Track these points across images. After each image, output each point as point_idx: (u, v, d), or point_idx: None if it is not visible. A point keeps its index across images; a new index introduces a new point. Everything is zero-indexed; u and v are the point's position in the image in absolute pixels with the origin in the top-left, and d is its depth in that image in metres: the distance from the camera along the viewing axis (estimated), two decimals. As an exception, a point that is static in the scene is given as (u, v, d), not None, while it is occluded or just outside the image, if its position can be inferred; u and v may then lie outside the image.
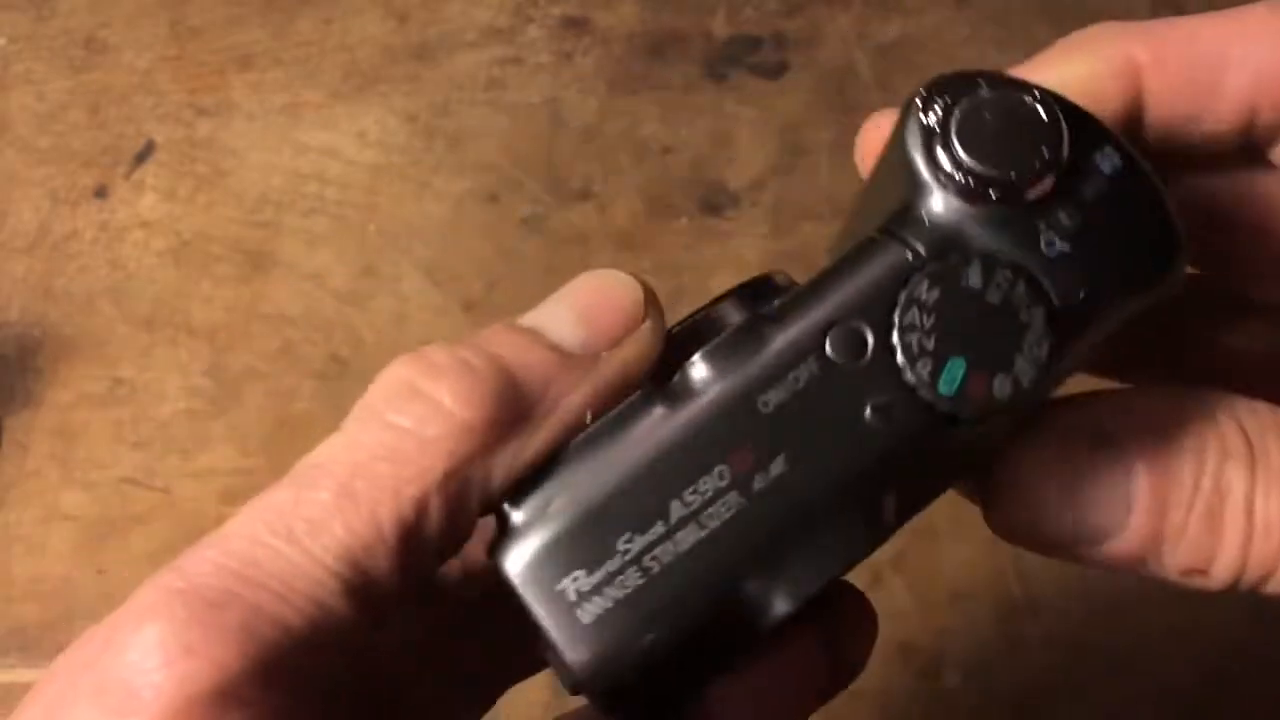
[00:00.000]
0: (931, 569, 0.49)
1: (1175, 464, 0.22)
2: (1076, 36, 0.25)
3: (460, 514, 0.21)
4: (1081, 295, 0.21)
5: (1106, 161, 0.22)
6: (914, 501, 0.23)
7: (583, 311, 0.23)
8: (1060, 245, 0.21)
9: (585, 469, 0.21)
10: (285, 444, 0.56)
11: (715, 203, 0.58)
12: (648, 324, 0.23)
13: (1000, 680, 0.47)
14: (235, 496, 0.56)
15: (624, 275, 0.23)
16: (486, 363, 0.21)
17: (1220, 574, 0.23)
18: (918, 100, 0.22)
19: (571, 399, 0.22)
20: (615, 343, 0.22)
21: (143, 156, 0.62)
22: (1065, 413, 0.23)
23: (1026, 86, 0.22)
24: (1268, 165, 0.26)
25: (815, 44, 0.61)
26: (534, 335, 0.22)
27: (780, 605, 0.21)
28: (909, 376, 0.20)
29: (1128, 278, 0.21)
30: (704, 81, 0.61)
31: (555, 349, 0.22)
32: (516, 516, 0.21)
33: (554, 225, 0.59)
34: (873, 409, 0.20)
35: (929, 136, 0.21)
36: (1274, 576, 0.22)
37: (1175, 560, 0.23)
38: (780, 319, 0.21)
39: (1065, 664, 0.47)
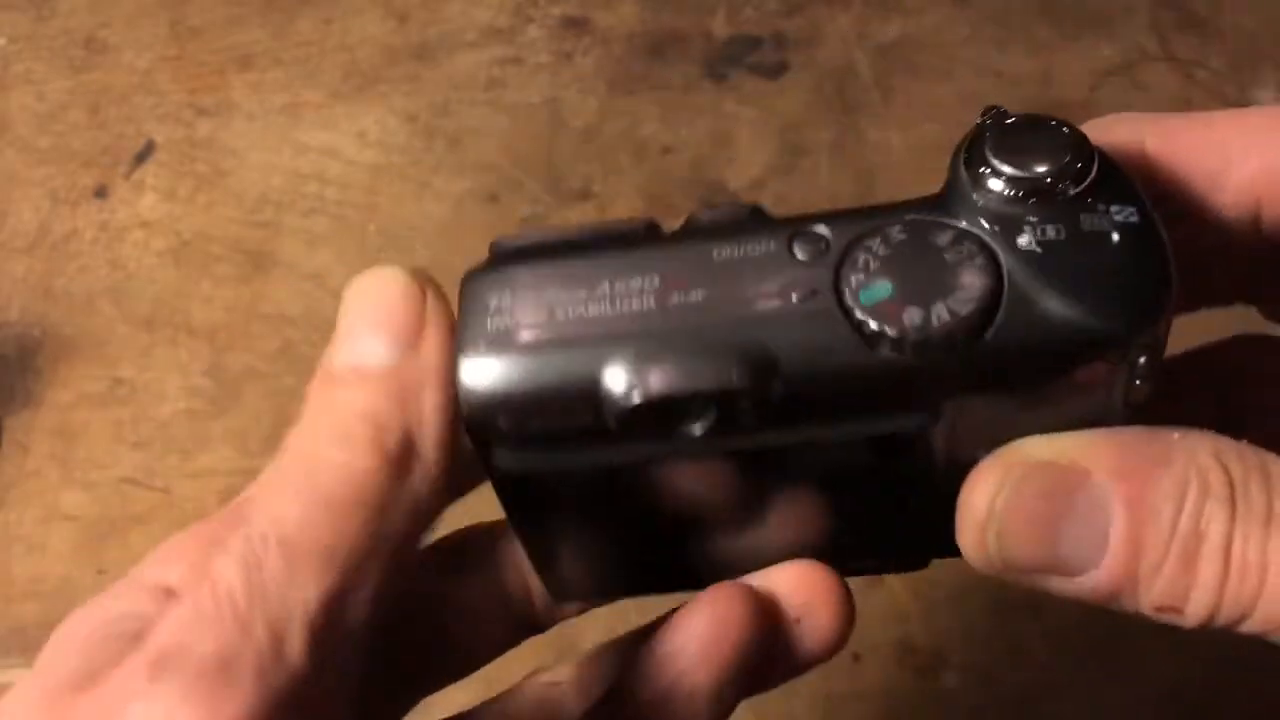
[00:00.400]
0: (931, 569, 0.49)
1: (1154, 503, 0.22)
2: (1092, 126, 0.26)
3: (398, 556, 0.24)
4: (1040, 302, 0.22)
5: (1121, 212, 0.23)
6: (812, 413, 0.23)
7: (378, 327, 0.25)
8: (1034, 247, 0.22)
9: (566, 243, 0.24)
10: (285, 444, 0.56)
11: (715, 202, 0.58)
12: (430, 299, 0.25)
13: (1000, 680, 0.47)
14: (235, 496, 0.56)
15: (385, 270, 0.26)
16: (354, 424, 0.25)
17: (1195, 612, 0.22)
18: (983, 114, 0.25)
19: (426, 399, 0.25)
20: (419, 332, 0.25)
21: (143, 156, 0.62)
22: (1041, 445, 0.23)
23: (1076, 129, 0.24)
24: None
25: (815, 44, 0.61)
26: (358, 374, 0.25)
27: (635, 394, 0.23)
28: (840, 281, 0.22)
29: (1090, 310, 0.22)
30: (704, 81, 0.61)
31: (382, 373, 0.25)
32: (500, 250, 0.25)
33: (554, 225, 0.59)
34: (798, 294, 0.23)
35: (972, 133, 0.24)
36: (1249, 618, 0.22)
37: (1149, 598, 0.23)
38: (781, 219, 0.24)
39: (1065, 664, 0.47)
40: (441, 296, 0.26)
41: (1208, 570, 0.22)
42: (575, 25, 0.63)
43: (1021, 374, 0.23)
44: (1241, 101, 0.57)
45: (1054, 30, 0.59)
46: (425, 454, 0.25)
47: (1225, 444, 0.23)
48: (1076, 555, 0.23)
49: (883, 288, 0.22)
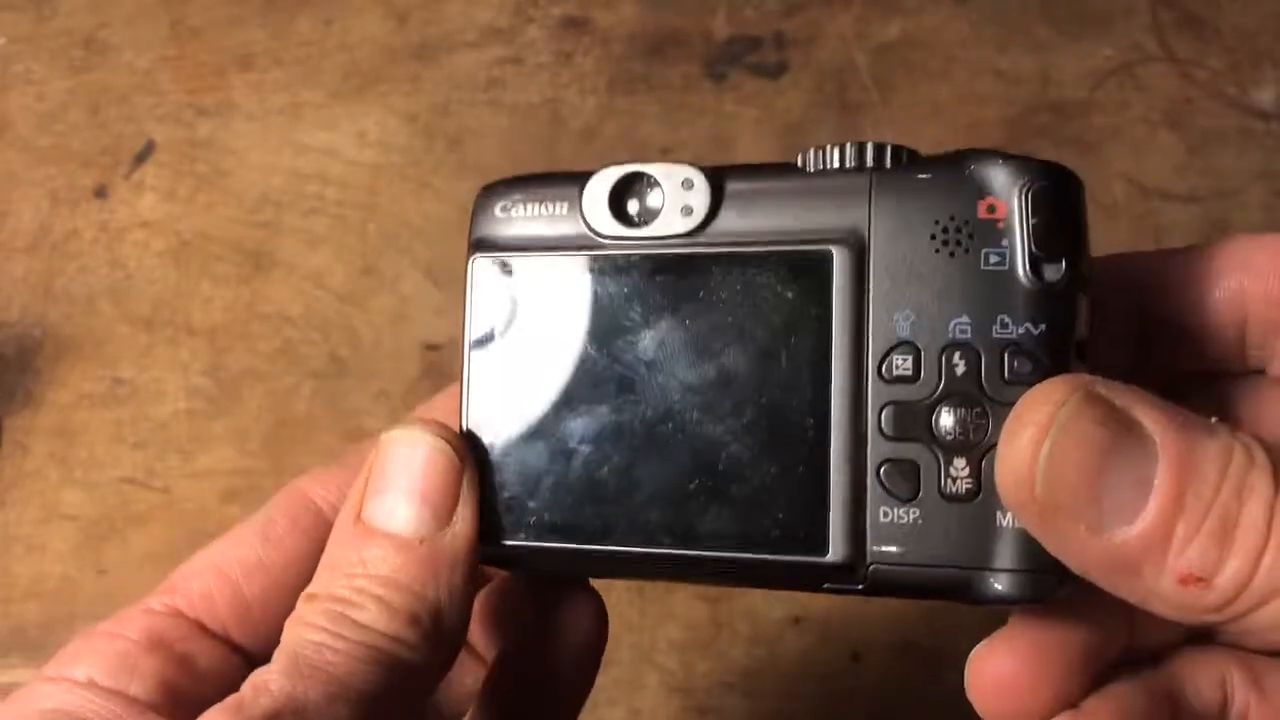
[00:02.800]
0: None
1: (1199, 463, 0.22)
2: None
3: (416, 705, 0.27)
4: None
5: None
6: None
7: (417, 495, 0.28)
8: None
9: None
10: (285, 444, 0.56)
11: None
12: (467, 474, 0.28)
13: (1000, 680, 0.47)
14: (235, 496, 0.56)
15: (427, 436, 0.28)
16: (394, 594, 0.27)
17: (1223, 585, 0.22)
18: None
19: (457, 575, 0.27)
20: (454, 508, 0.28)
21: (143, 156, 0.62)
22: (1098, 382, 0.24)
23: None
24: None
25: (815, 44, 0.61)
26: (393, 541, 0.27)
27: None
28: None
29: None
30: (704, 81, 0.61)
31: (417, 544, 0.27)
32: None
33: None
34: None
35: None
36: (1275, 601, 0.22)
37: (1179, 564, 0.22)
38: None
39: (1065, 664, 0.47)
40: (474, 470, 0.29)
41: (1246, 539, 0.22)
42: (575, 25, 0.63)
43: None
44: (1241, 101, 0.57)
45: (1054, 30, 0.59)
46: (451, 626, 0.27)
47: (1259, 435, 0.23)
48: (1115, 500, 0.22)
49: None
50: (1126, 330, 0.29)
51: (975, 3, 0.60)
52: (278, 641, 0.27)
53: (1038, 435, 0.23)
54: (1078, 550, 0.23)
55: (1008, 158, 0.27)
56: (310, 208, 0.60)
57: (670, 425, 0.28)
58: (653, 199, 0.30)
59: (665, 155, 0.59)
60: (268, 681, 0.25)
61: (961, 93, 0.59)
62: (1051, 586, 0.25)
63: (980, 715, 0.29)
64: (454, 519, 0.28)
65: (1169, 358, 0.29)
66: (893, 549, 0.26)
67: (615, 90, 0.61)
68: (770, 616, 0.51)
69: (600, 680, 0.36)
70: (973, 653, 0.29)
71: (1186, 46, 0.58)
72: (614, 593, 0.52)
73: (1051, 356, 0.26)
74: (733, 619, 0.51)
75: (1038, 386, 0.24)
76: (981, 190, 0.26)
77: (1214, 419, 0.23)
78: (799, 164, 0.28)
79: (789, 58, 0.61)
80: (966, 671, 0.29)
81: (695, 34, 0.62)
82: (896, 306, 0.27)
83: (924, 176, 0.27)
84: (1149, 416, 0.23)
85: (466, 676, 0.35)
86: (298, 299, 0.59)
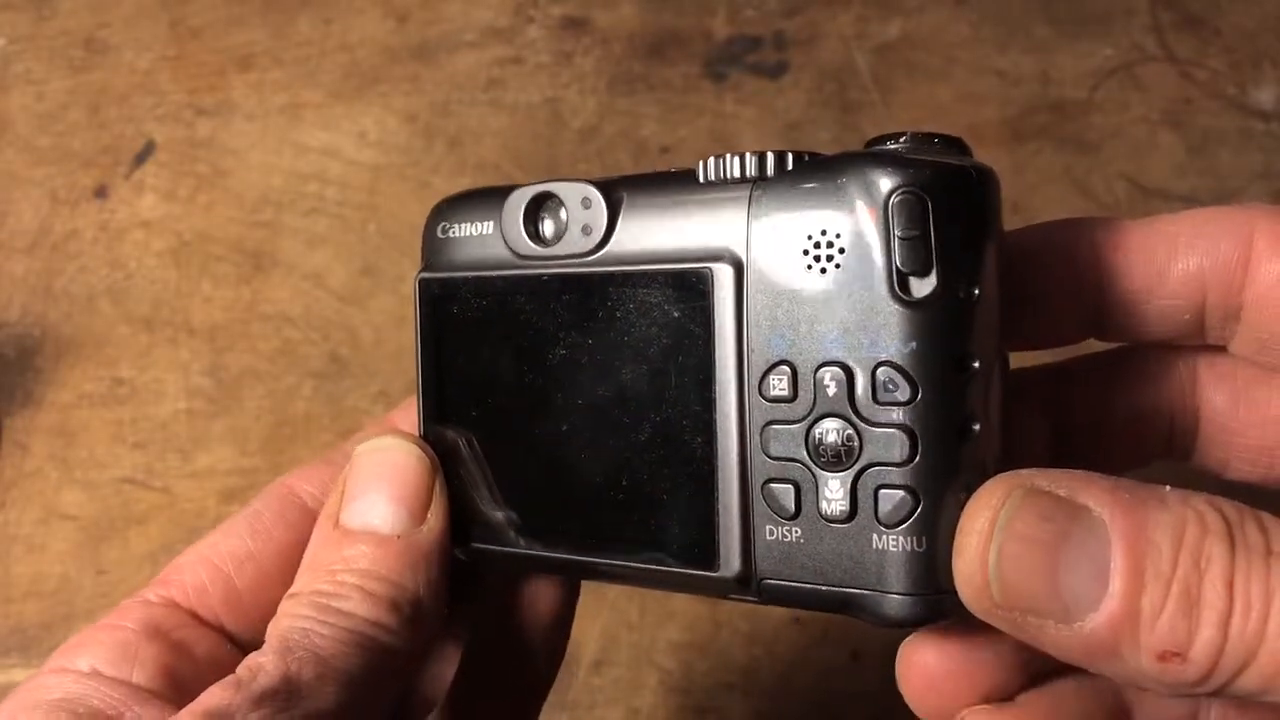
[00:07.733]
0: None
1: (1153, 537, 0.22)
2: (1043, 228, 0.29)
3: (396, 686, 0.29)
4: None
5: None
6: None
7: (393, 497, 0.30)
8: None
9: None
10: (285, 444, 0.56)
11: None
12: (439, 477, 0.30)
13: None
14: (235, 496, 0.56)
15: (399, 442, 0.30)
16: (374, 584, 0.29)
17: (1199, 658, 0.22)
18: None
19: (434, 566, 0.29)
20: (428, 505, 0.30)
21: (143, 156, 0.62)
22: (1038, 474, 0.23)
23: None
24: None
25: (815, 44, 0.61)
26: (373, 537, 0.29)
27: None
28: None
29: None
30: (704, 81, 0.61)
31: (395, 539, 0.29)
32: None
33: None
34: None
35: None
36: (1251, 666, 0.21)
37: (1151, 641, 0.22)
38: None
39: (1065, 664, 0.47)
40: (441, 473, 0.31)
41: (1211, 609, 0.21)
42: (575, 25, 0.63)
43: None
44: (1241, 101, 0.57)
45: (1054, 30, 0.59)
46: (429, 613, 0.29)
47: (1216, 497, 0.23)
48: (1076, 590, 0.22)
49: None
50: (1080, 298, 0.29)
51: (975, 3, 0.60)
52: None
53: (982, 543, 0.23)
54: (1053, 643, 0.23)
55: (884, 161, 0.25)
56: (310, 208, 0.60)
57: (581, 442, 0.29)
58: (560, 218, 0.30)
59: (665, 155, 0.59)
60: (263, 664, 0.26)
61: (961, 93, 0.59)
62: (950, 603, 0.25)
63: (911, 709, 0.29)
64: (428, 516, 0.30)
65: (1124, 330, 0.29)
66: (779, 566, 0.26)
67: (615, 90, 0.61)
68: (770, 616, 0.51)
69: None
70: (903, 644, 0.29)
71: (1186, 46, 0.58)
72: (613, 592, 0.52)
73: (921, 376, 0.24)
74: (732, 619, 0.51)
75: (977, 492, 0.24)
76: (854, 200, 0.25)
77: (1168, 488, 0.23)
78: (698, 173, 0.27)
79: (789, 58, 0.61)
80: (897, 664, 0.29)
81: (695, 34, 0.62)
82: (774, 325, 0.26)
83: (799, 187, 0.26)
84: (1095, 498, 0.23)
85: (446, 660, 0.36)
86: (298, 299, 0.59)
